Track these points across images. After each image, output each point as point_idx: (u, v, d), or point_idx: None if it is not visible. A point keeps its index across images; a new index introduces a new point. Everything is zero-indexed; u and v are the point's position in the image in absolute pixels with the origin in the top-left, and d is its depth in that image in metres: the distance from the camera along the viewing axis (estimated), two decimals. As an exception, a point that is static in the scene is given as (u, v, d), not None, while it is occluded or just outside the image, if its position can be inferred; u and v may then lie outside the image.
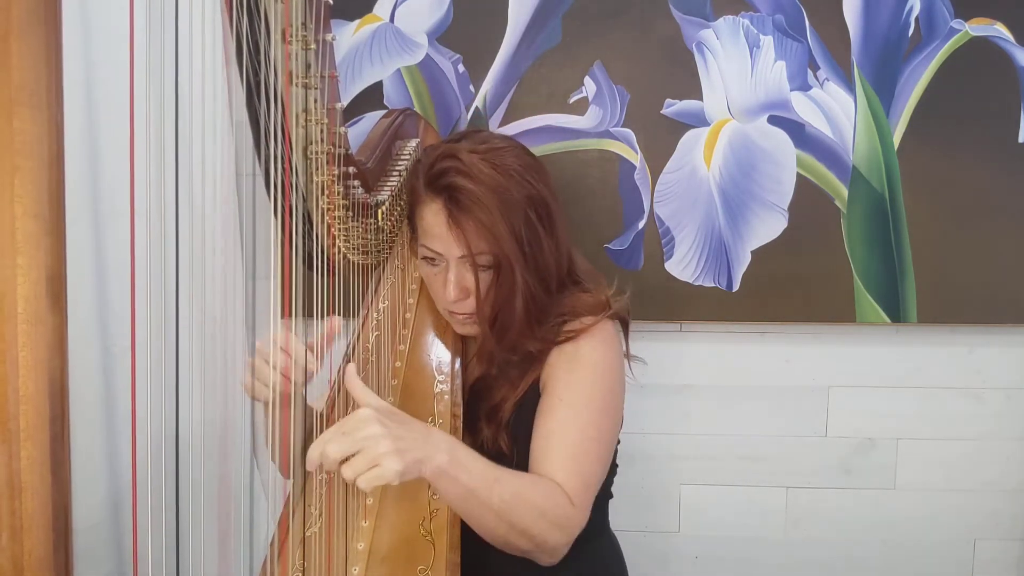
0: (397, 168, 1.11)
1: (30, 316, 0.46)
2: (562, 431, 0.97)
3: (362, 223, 0.99)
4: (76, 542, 0.51)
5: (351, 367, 0.84)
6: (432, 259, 1.05)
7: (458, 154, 1.01)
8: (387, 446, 0.77)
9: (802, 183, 1.41)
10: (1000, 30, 1.38)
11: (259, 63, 0.75)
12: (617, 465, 1.13)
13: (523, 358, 1.05)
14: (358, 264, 1.03)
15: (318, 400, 1.05)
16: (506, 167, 1.00)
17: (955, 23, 1.38)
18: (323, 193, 0.89)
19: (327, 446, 0.78)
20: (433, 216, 1.02)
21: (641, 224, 1.42)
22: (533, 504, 0.88)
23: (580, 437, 0.97)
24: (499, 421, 1.04)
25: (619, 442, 1.11)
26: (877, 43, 1.39)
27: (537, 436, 0.98)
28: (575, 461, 0.95)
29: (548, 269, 1.04)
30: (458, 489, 0.84)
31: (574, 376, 1.01)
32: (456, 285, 1.02)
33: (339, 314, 0.98)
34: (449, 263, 1.03)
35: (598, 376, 1.01)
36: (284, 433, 0.94)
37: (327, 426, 0.82)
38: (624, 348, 1.08)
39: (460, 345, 1.12)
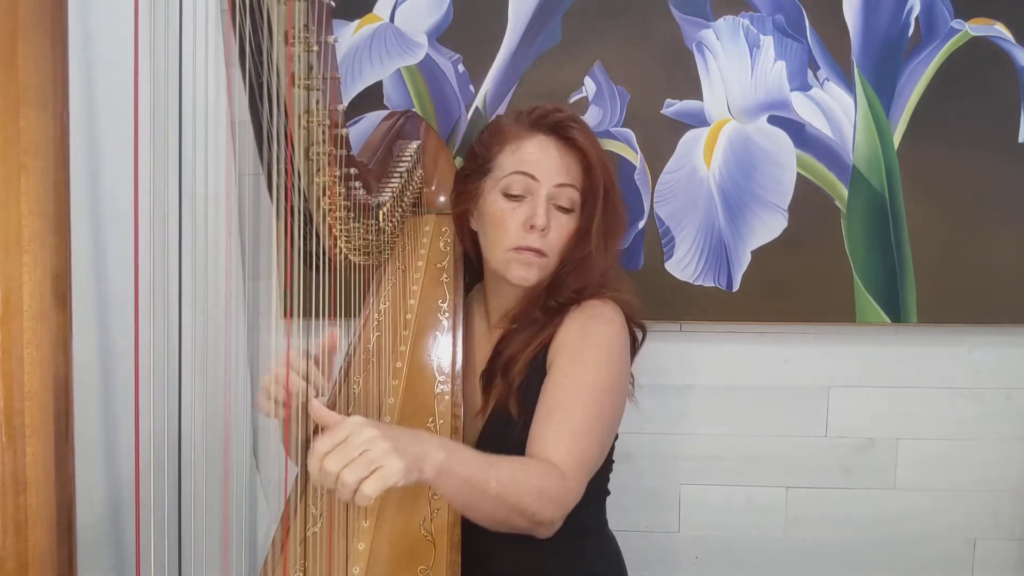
0: (398, 169, 1.11)
1: (35, 313, 0.47)
2: (566, 406, 0.97)
3: (363, 224, 1.00)
4: (78, 538, 0.51)
5: (314, 402, 0.82)
6: (516, 196, 1.08)
7: (571, 114, 1.11)
8: (386, 446, 0.76)
9: (802, 183, 1.41)
10: (1000, 30, 1.38)
11: (261, 65, 0.76)
12: (613, 461, 1.13)
13: (543, 312, 1.08)
14: (359, 265, 1.04)
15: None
16: (607, 152, 1.15)
17: (955, 23, 1.38)
18: (324, 194, 0.89)
19: (325, 461, 0.75)
20: (539, 146, 1.08)
21: (641, 224, 1.42)
22: (529, 483, 0.89)
23: (583, 414, 0.97)
24: (511, 379, 1.04)
25: (616, 438, 1.11)
26: (877, 43, 1.39)
27: (541, 407, 0.98)
28: (575, 437, 0.95)
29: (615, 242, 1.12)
30: (457, 481, 0.84)
31: (583, 354, 1.01)
32: (545, 214, 1.06)
33: (340, 315, 0.98)
34: (537, 196, 1.06)
35: (607, 356, 1.02)
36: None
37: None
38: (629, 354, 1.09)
39: (461, 344, 1.12)
